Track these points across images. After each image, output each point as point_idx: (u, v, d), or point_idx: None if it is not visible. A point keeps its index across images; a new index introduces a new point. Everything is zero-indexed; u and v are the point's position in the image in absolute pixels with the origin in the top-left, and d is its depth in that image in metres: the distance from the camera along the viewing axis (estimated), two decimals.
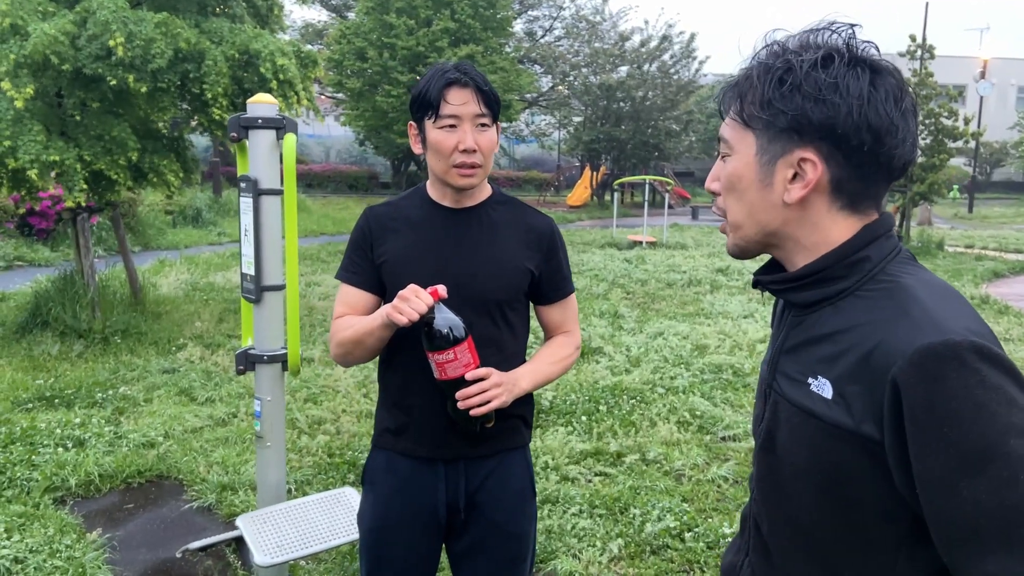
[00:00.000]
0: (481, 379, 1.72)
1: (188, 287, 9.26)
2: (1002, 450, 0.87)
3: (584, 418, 4.99)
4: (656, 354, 6.55)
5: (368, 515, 1.93)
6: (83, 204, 6.54)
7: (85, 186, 6.28)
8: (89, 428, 4.64)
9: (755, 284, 1.15)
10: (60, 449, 4.34)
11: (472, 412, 1.71)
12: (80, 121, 6.42)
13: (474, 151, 1.77)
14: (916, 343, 0.91)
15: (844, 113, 0.99)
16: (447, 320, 1.67)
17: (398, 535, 1.89)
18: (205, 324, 7.47)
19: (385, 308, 1.72)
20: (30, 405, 5.10)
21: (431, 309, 1.66)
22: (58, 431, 4.54)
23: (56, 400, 5.19)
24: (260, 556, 2.61)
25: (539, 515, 3.72)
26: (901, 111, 1.01)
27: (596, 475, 4.24)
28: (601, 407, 5.18)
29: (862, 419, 0.96)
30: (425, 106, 1.77)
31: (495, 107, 1.81)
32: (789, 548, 1.11)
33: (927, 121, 14.11)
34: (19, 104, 5.77)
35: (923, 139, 14.42)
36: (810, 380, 1.04)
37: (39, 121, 6.08)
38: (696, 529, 3.60)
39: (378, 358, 1.93)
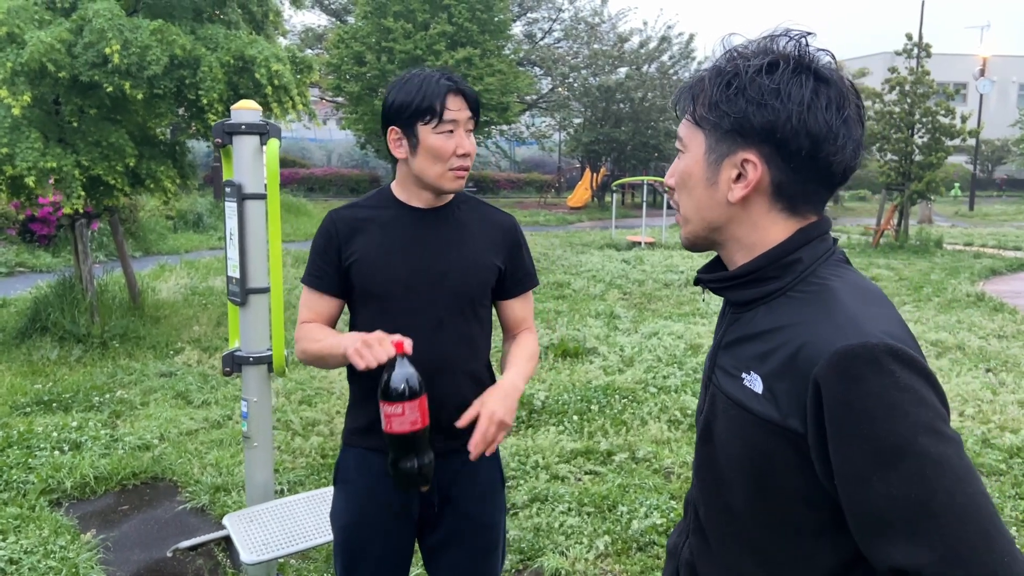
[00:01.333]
0: (476, 419, 1.77)
1: (187, 291, 9.32)
2: (911, 448, 0.92)
3: (576, 417, 5.03)
4: (650, 354, 6.59)
5: (342, 513, 1.97)
6: (81, 210, 6.60)
7: (83, 192, 6.34)
8: (86, 431, 4.69)
9: (696, 282, 1.20)
10: (56, 452, 4.39)
11: (473, 456, 1.76)
12: (78, 128, 6.48)
13: (468, 155, 1.85)
14: (836, 345, 0.96)
15: (784, 118, 1.03)
16: (405, 374, 1.68)
17: (374, 531, 1.93)
18: (203, 328, 7.53)
19: (347, 343, 1.74)
20: (28, 409, 5.16)
21: (393, 360, 1.69)
22: (55, 434, 4.59)
23: (54, 404, 5.24)
24: (246, 554, 2.66)
25: (527, 513, 3.77)
26: (843, 119, 1.04)
27: (586, 473, 4.28)
28: (593, 407, 5.23)
29: (788, 414, 1.02)
30: (425, 112, 1.80)
31: (479, 114, 1.90)
32: (723, 532, 1.16)
33: (924, 119, 14.13)
34: (16, 112, 5.83)
35: (920, 137, 14.44)
36: (743, 375, 1.09)
37: (37, 128, 6.14)
38: None
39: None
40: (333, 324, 1.96)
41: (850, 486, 0.96)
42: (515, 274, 2.01)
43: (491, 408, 1.77)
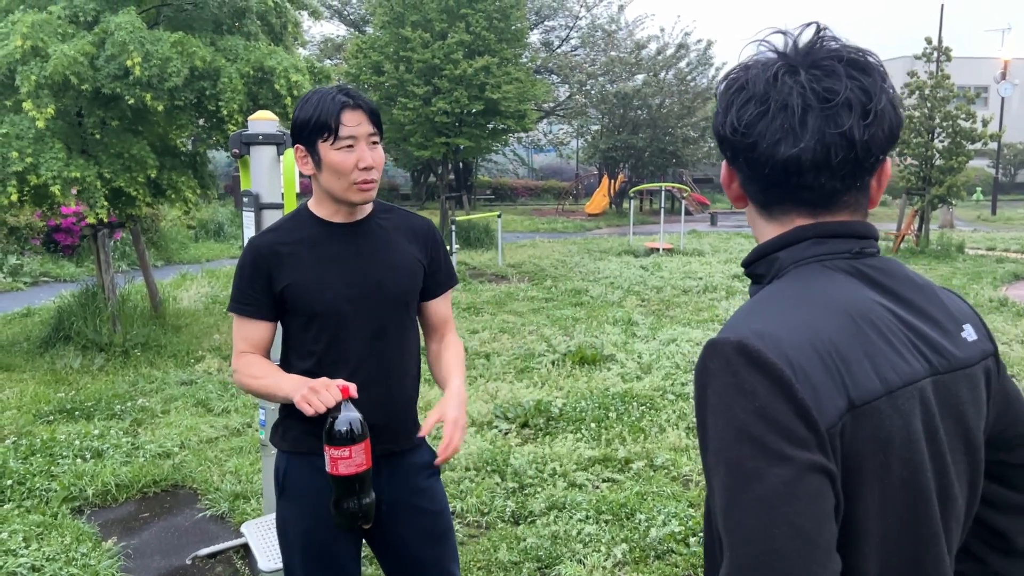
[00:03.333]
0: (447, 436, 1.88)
1: (208, 300, 9.41)
2: (729, 454, 0.89)
3: (593, 425, 5.02)
4: (668, 360, 6.56)
5: (298, 519, 1.96)
6: (105, 220, 6.69)
7: (106, 203, 6.43)
8: (107, 439, 4.74)
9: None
10: (79, 460, 4.44)
11: (442, 459, 1.89)
12: (100, 139, 6.57)
13: (372, 167, 1.88)
14: (710, 339, 0.96)
15: (718, 125, 1.06)
16: (350, 418, 1.74)
17: (330, 535, 1.95)
18: (223, 336, 7.59)
19: (289, 388, 1.82)
20: (51, 417, 5.23)
21: (338, 405, 1.74)
22: (77, 442, 4.65)
23: (76, 412, 5.31)
24: (264, 562, 2.67)
25: (545, 521, 3.77)
26: (763, 111, 0.99)
27: (603, 481, 4.27)
28: (611, 414, 5.21)
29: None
30: (321, 129, 1.84)
31: (381, 127, 1.93)
32: (707, 526, 1.16)
33: (944, 123, 14.01)
34: (40, 124, 5.92)
35: (940, 141, 14.32)
36: None
37: (60, 140, 6.23)
38: (701, 534, 3.62)
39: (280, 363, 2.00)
40: (268, 348, 1.99)
41: (707, 481, 0.94)
42: (436, 274, 2.09)
43: (453, 416, 1.90)
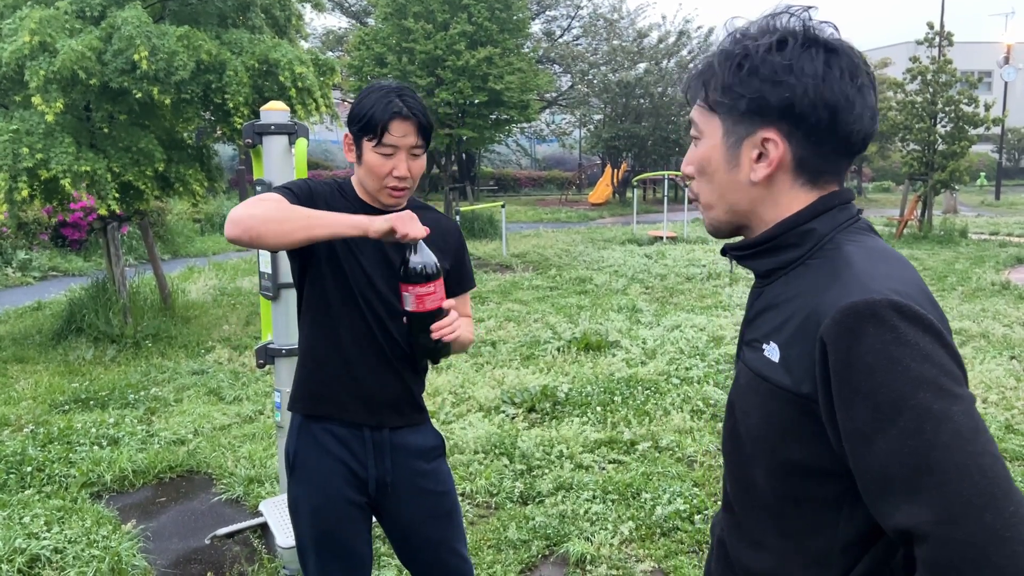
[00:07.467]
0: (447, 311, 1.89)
1: (216, 292, 9.50)
2: (910, 402, 0.91)
3: (599, 409, 5.10)
4: (672, 346, 6.64)
5: (306, 498, 2.03)
6: (117, 211, 6.77)
7: (117, 195, 6.51)
8: (123, 427, 4.84)
9: (723, 251, 1.22)
10: (96, 447, 4.54)
11: (446, 339, 1.86)
12: (108, 133, 6.64)
13: (406, 178, 1.92)
14: (840, 302, 0.97)
15: (800, 93, 1.04)
16: (427, 256, 1.80)
17: (340, 514, 2.02)
18: (232, 327, 7.68)
19: (370, 220, 1.76)
20: (67, 407, 5.32)
21: (413, 245, 1.79)
22: (93, 430, 4.74)
23: (91, 402, 5.40)
24: (282, 538, 2.76)
25: (553, 501, 3.85)
26: (857, 87, 1.06)
27: (609, 462, 4.35)
28: (616, 398, 5.29)
29: (801, 379, 1.02)
30: (368, 129, 1.87)
31: (429, 137, 1.95)
32: (748, 506, 1.18)
33: (947, 108, 14.02)
34: (49, 118, 5.99)
35: (943, 126, 14.33)
36: (764, 346, 1.10)
37: (69, 134, 6.30)
38: (705, 511, 3.71)
39: (298, 344, 2.05)
40: None
41: (855, 445, 0.95)
42: (459, 273, 2.12)
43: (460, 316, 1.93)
